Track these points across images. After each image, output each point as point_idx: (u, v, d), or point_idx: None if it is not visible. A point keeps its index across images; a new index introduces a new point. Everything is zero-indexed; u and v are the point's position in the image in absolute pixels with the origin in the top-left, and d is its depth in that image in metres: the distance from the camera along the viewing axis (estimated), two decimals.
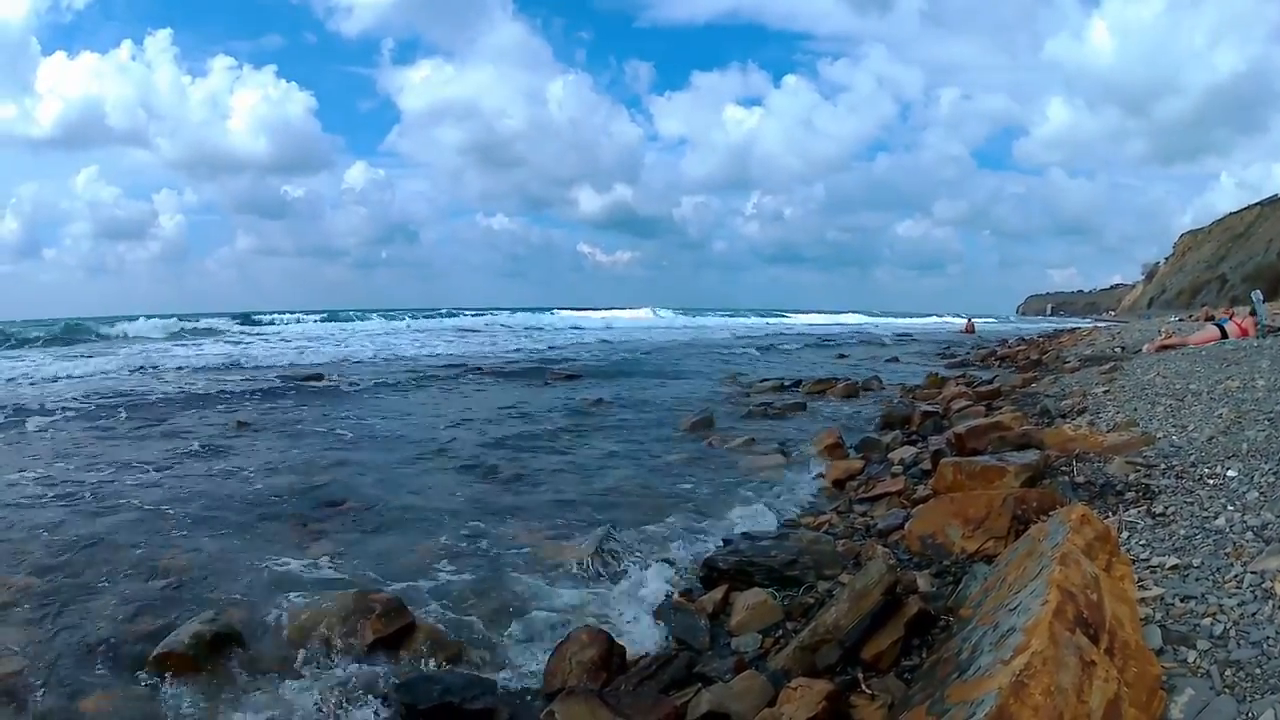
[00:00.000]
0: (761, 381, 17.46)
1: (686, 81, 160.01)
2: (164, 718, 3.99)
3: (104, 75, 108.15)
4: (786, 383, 16.86)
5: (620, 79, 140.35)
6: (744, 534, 6.22)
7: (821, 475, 8.30)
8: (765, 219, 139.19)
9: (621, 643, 4.36)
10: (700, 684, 3.83)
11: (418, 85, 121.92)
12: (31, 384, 16.99)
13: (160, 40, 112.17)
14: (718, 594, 5.01)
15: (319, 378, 17.99)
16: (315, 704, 3.99)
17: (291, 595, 5.26)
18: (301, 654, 4.49)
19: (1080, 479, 5.75)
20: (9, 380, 17.45)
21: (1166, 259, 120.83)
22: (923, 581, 4.52)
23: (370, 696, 4.00)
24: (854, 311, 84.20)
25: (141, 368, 20.50)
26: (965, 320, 58.92)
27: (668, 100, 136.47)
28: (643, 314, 65.37)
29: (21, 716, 4.02)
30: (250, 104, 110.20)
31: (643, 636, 4.64)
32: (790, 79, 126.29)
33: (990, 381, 14.98)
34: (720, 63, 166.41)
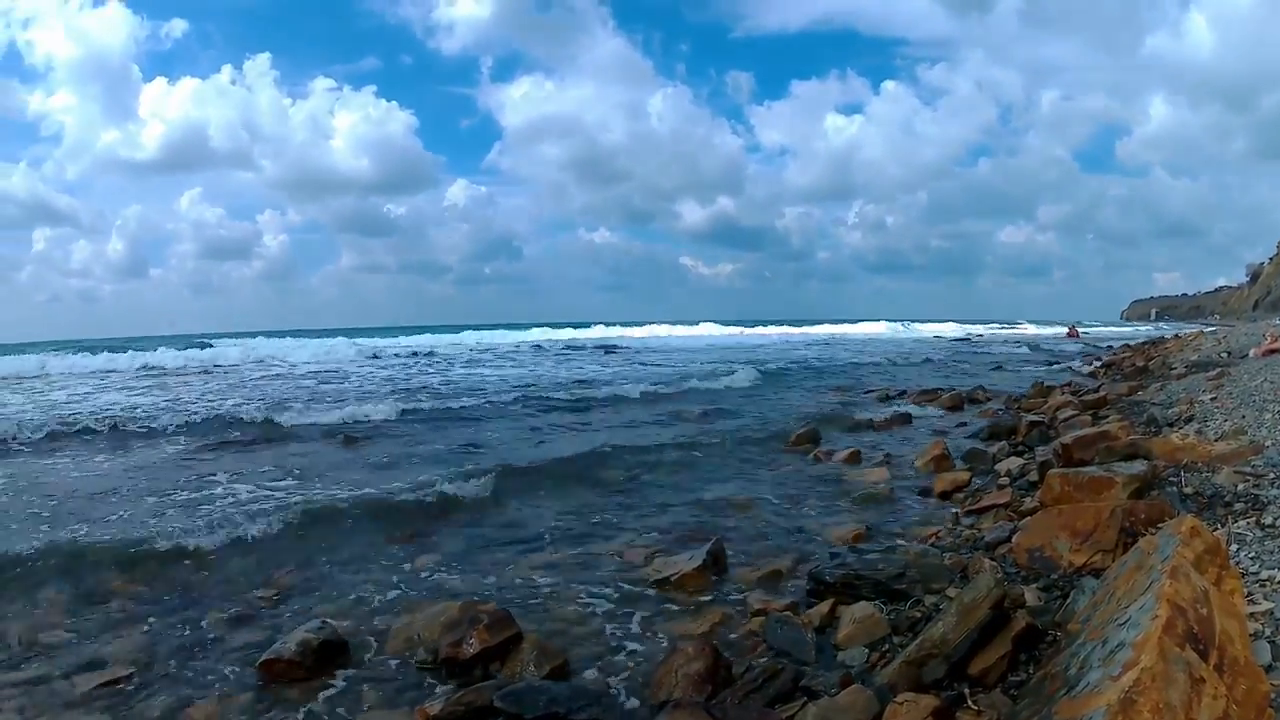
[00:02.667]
0: (866, 393, 17.19)
1: (786, 91, 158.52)
2: None
3: (205, 99, 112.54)
4: (891, 393, 16.57)
5: (721, 90, 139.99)
6: (850, 547, 6.12)
7: (928, 488, 8.11)
8: (868, 228, 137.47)
9: (727, 655, 4.32)
10: (806, 698, 3.77)
11: (518, 102, 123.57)
12: None
13: (259, 64, 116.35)
14: (824, 607, 4.93)
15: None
16: (420, 712, 4.01)
17: (399, 604, 5.35)
18: (407, 662, 4.58)
19: (1188, 490, 5.51)
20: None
21: (1271, 259, 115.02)
22: (1030, 596, 4.37)
23: (476, 706, 3.97)
24: (958, 320, 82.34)
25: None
26: (1069, 327, 57.26)
27: (768, 110, 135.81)
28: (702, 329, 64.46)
29: (127, 714, 4.16)
30: (351, 124, 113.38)
31: (750, 650, 4.58)
32: (889, 85, 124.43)
33: (1096, 390, 14.44)
34: (818, 71, 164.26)
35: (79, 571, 5.94)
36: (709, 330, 59.78)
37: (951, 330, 63.44)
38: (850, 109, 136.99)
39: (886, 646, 4.31)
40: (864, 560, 5.50)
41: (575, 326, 62.87)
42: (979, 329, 68.30)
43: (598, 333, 56.65)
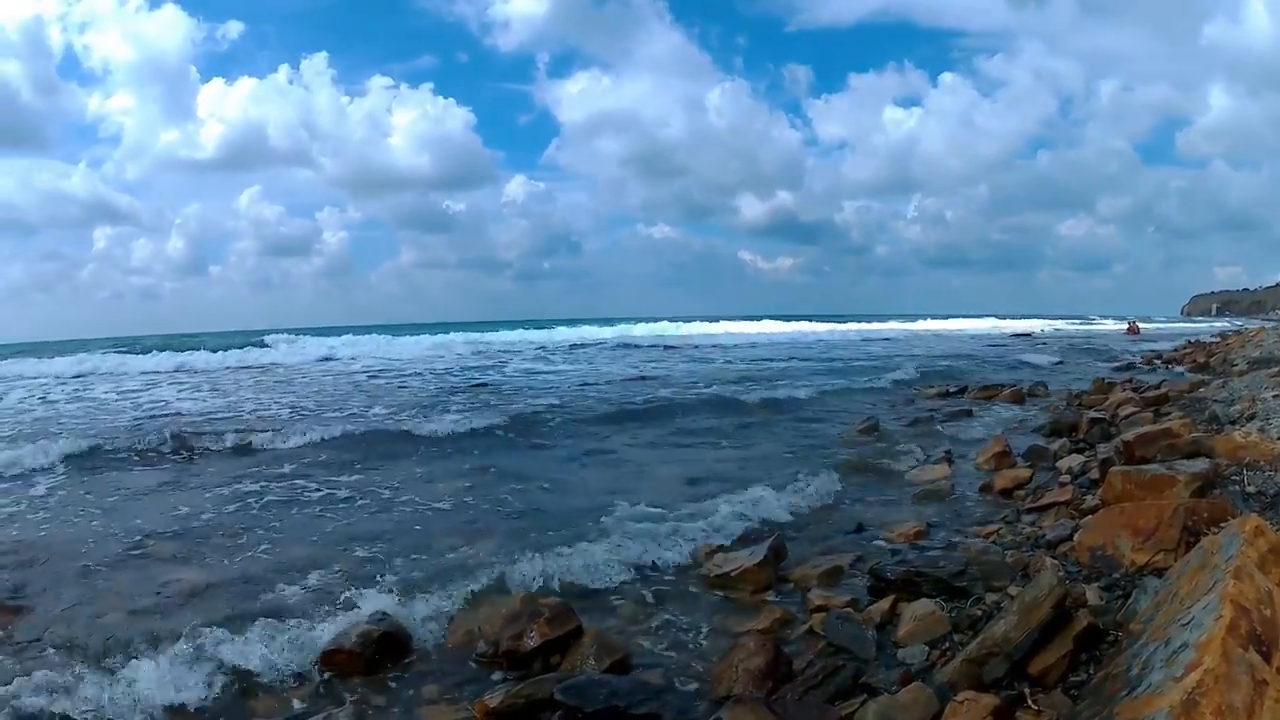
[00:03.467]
0: (928, 388, 17.04)
1: (843, 84, 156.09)
2: (329, 712, 4.12)
3: (263, 99, 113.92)
4: (951, 389, 16.39)
5: (779, 84, 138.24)
6: (911, 544, 6.10)
7: (989, 484, 8.01)
8: (927, 221, 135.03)
9: (788, 651, 4.35)
10: (866, 695, 3.77)
11: (575, 97, 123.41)
12: None
13: (316, 64, 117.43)
14: (885, 604, 4.92)
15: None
16: (480, 705, 4.03)
17: (460, 596, 5.37)
18: (468, 655, 4.64)
19: (1251, 489, 5.41)
20: None
21: None
22: (1091, 595, 4.32)
23: (537, 699, 4.00)
24: (1019, 315, 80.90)
25: None
26: (1129, 322, 56.07)
27: (825, 103, 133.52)
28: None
29: (192, 704, 4.22)
30: (409, 122, 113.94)
31: (810, 646, 4.57)
32: (947, 77, 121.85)
33: (1157, 386, 14.14)
34: (876, 63, 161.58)
35: None
36: (775, 327, 59.05)
37: (1009, 326, 62.31)
38: (908, 101, 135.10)
39: (947, 644, 4.28)
40: (925, 557, 5.49)
41: (638, 322, 62.74)
42: (1038, 324, 67.13)
43: (676, 329, 56.30)
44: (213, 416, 14.36)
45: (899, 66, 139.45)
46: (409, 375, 23.20)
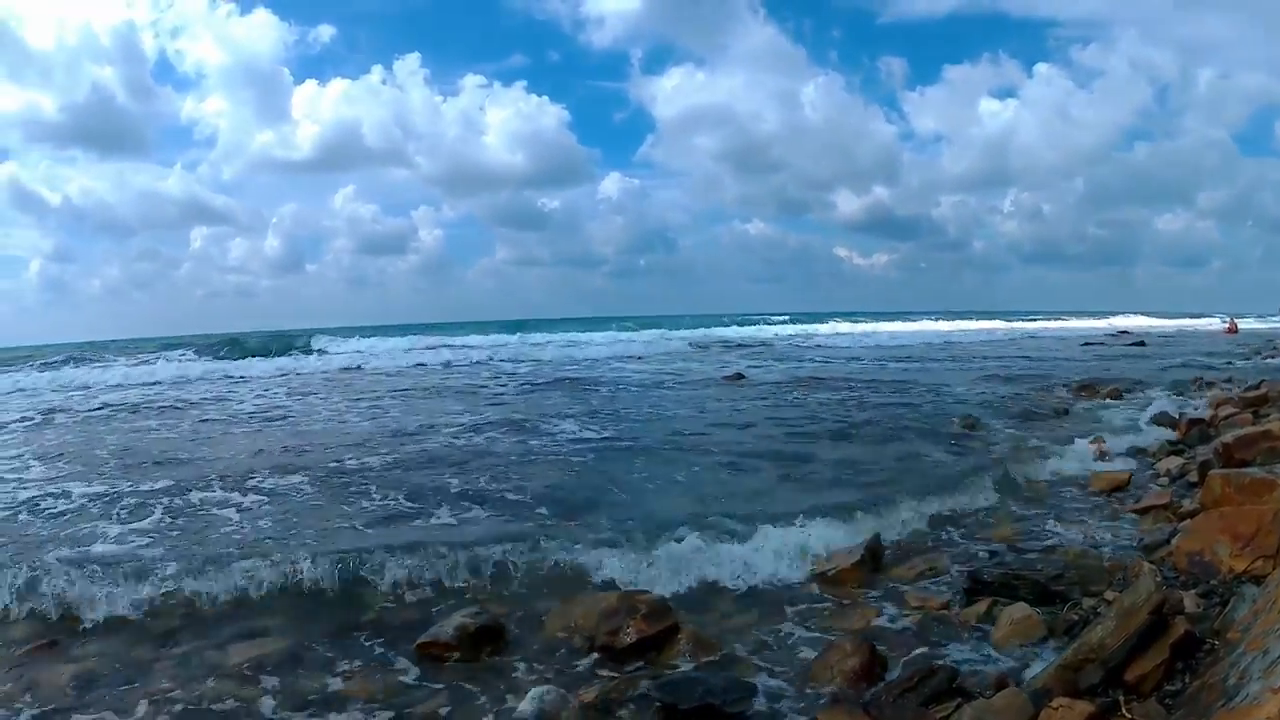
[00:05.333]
0: (1026, 385, 16.64)
1: (938, 76, 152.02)
2: (421, 704, 4.14)
3: (356, 99, 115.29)
4: (1050, 386, 16.00)
5: (873, 77, 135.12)
6: (1010, 546, 6.02)
7: (1087, 485, 7.83)
8: (1024, 216, 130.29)
9: (883, 652, 4.33)
10: (961, 699, 3.75)
11: (670, 93, 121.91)
12: None
13: (409, 64, 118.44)
14: (981, 607, 4.88)
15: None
16: (576, 699, 4.04)
17: (558, 591, 5.43)
18: (564, 650, 4.65)
19: None
20: None
21: None
22: (1189, 601, 4.22)
23: (632, 694, 4.03)
24: (1115, 314, 78.12)
25: None
26: (1228, 321, 53.68)
27: (920, 96, 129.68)
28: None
29: (280, 689, 4.33)
30: (503, 120, 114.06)
31: (905, 647, 4.54)
32: (1042, 67, 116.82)
33: (1257, 386, 13.61)
34: (970, 54, 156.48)
35: None
36: (894, 327, 57.97)
37: (1105, 325, 60.15)
38: (1004, 93, 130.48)
39: (1045, 648, 4.25)
40: (1023, 560, 5.44)
41: (736, 319, 62.58)
42: (1133, 321, 64.82)
43: (799, 328, 56.09)
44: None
45: (993, 57, 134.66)
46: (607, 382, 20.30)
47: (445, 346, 35.09)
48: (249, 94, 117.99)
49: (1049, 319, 68.77)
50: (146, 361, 30.44)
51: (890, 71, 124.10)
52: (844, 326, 59.48)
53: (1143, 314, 77.16)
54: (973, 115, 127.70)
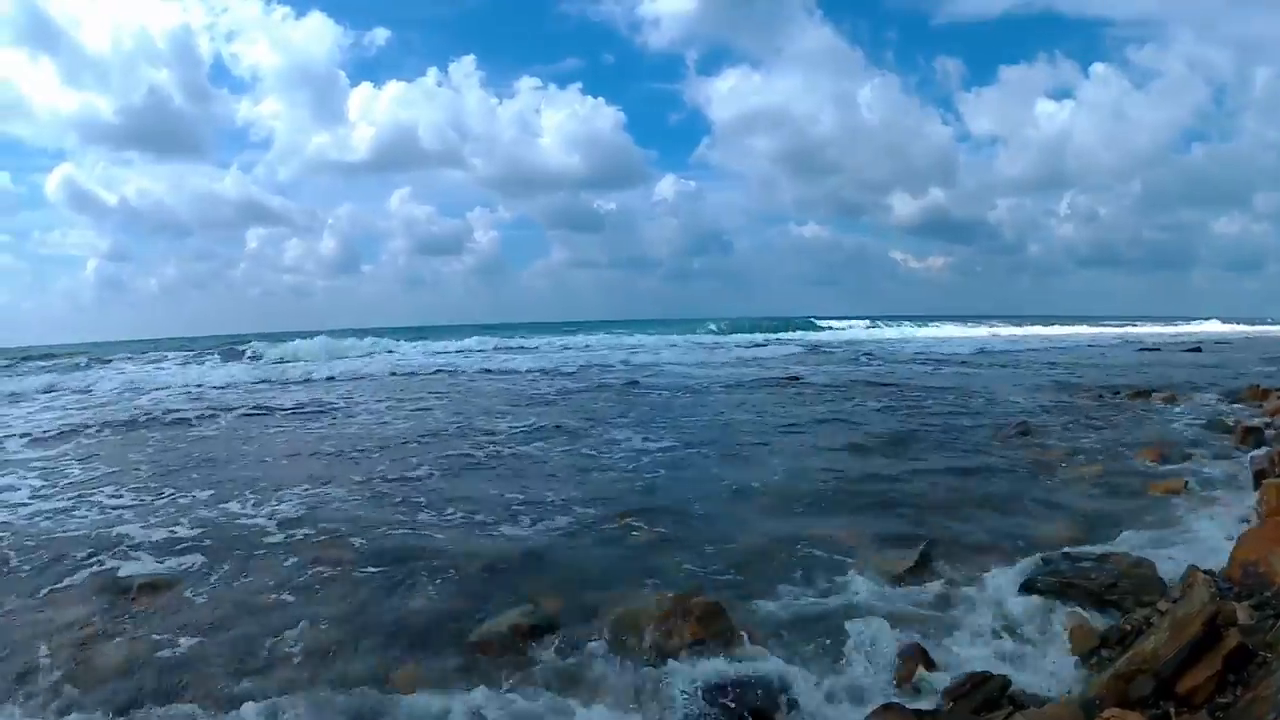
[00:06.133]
0: (1081, 391, 16.43)
1: (994, 77, 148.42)
2: (473, 700, 4.13)
3: (413, 101, 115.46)
4: (1104, 392, 15.78)
5: (929, 78, 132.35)
6: (1064, 553, 5.96)
7: (1141, 491, 7.71)
8: (1080, 219, 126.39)
9: (936, 658, 4.35)
10: (1013, 707, 3.76)
11: (725, 95, 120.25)
12: None
13: (465, 66, 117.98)
14: (1034, 613, 4.85)
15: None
16: (627, 702, 4.09)
17: (612, 592, 5.47)
18: (617, 652, 4.63)
19: None
20: None
21: None
22: (1242, 614, 4.16)
23: (683, 697, 4.03)
24: (1174, 319, 75.91)
25: None
26: None
27: (976, 97, 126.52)
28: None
29: (332, 678, 4.42)
30: (559, 122, 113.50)
31: (959, 654, 4.52)
32: (1098, 68, 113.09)
33: None
34: (1026, 55, 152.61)
35: None
36: (957, 332, 57.17)
37: (1165, 330, 58.63)
38: (1060, 94, 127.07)
39: (1095, 659, 4.24)
40: (1077, 568, 5.38)
41: (796, 324, 62.11)
42: (1205, 328, 63.21)
43: (867, 332, 55.91)
44: None
45: (1049, 57, 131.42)
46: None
47: (504, 349, 35.64)
48: (305, 96, 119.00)
49: (1104, 324, 67.36)
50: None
51: (946, 72, 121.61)
52: (896, 330, 58.95)
53: (1197, 319, 75.19)
54: (1029, 116, 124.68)
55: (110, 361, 32.33)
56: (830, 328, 60.19)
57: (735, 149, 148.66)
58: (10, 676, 4.50)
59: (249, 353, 33.82)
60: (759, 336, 48.21)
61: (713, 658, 4.45)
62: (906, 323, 66.42)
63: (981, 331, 56.29)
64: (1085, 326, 61.93)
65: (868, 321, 66.47)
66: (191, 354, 35.71)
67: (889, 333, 56.42)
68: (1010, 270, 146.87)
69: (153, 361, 32.41)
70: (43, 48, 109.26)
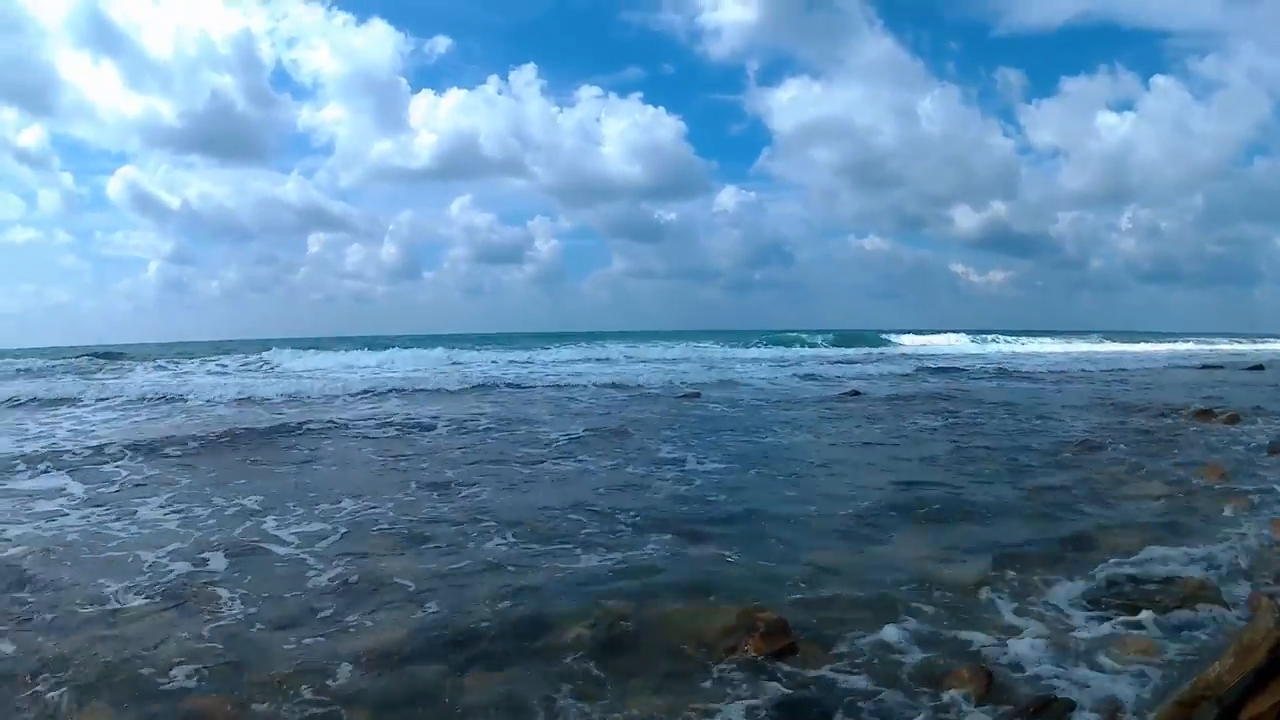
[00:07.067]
0: (1142, 409, 16.20)
1: (1055, 88, 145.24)
2: (535, 707, 4.16)
3: (473, 109, 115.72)
4: (1165, 411, 15.53)
5: (990, 89, 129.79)
6: (1129, 574, 5.93)
7: (1207, 512, 7.63)
8: (1141, 234, 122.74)
9: (997, 677, 4.33)
10: None
11: (786, 105, 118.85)
12: None
13: (525, 74, 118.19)
14: (1099, 633, 4.84)
15: None
16: (690, 717, 4.07)
17: (675, 604, 5.45)
18: (679, 664, 4.62)
19: None
20: None
21: None
22: None
23: (748, 714, 4.05)
24: (1234, 337, 73.70)
25: None
26: None
27: (1037, 109, 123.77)
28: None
29: (399, 678, 4.48)
30: (620, 131, 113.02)
31: (1021, 673, 4.49)
32: (1159, 80, 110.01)
33: None
34: (1086, 66, 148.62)
35: None
36: (1054, 347, 56.33)
37: (1214, 348, 57.02)
38: (1121, 106, 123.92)
39: (1159, 681, 4.24)
40: (1141, 590, 5.37)
41: (855, 336, 61.76)
42: (1251, 345, 61.54)
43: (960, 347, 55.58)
44: None
45: (1110, 69, 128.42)
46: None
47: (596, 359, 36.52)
48: (366, 103, 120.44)
49: (1165, 341, 65.92)
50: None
51: (1008, 83, 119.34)
52: (953, 340, 58.43)
53: (1256, 336, 73.10)
54: (1090, 128, 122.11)
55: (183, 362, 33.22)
56: (897, 342, 59.62)
57: (796, 160, 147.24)
58: None
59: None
60: (832, 351, 48.04)
61: (776, 672, 4.48)
62: (969, 335, 65.54)
63: (1045, 346, 55.61)
64: (1143, 344, 60.48)
65: (941, 334, 65.74)
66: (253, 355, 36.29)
67: (944, 341, 55.91)
68: (1071, 285, 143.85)
69: (219, 365, 33.21)
70: (105, 51, 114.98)
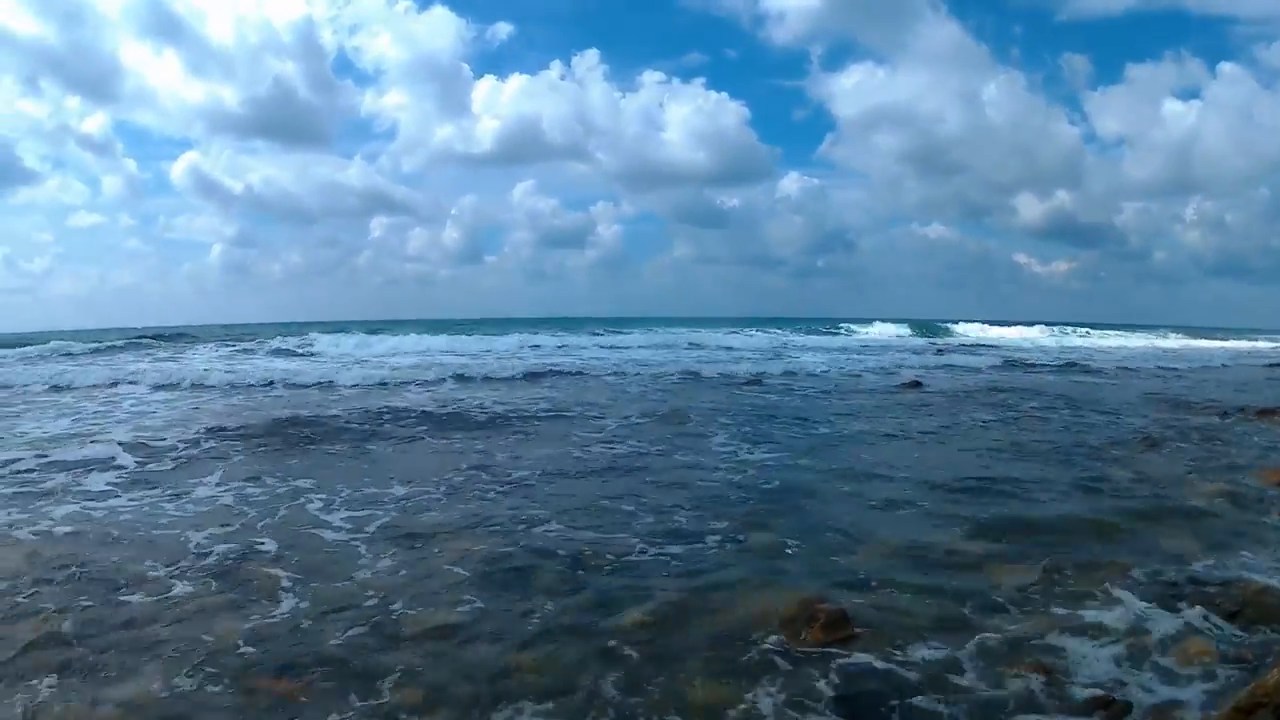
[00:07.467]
0: (1203, 407, 15.92)
1: (1120, 75, 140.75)
2: (591, 691, 4.23)
3: (536, 95, 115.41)
4: (1228, 410, 15.21)
5: (1055, 76, 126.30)
6: (1189, 576, 5.88)
7: (1267, 512, 7.56)
8: (1207, 226, 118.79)
9: (1056, 677, 4.35)
10: None
11: (850, 91, 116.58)
12: None
13: (588, 60, 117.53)
14: (1156, 637, 4.83)
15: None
16: (748, 706, 4.10)
17: (734, 592, 5.54)
18: (740, 652, 4.65)
19: None
20: None
21: None
22: None
23: (807, 703, 4.08)
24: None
25: None
26: None
27: (1102, 96, 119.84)
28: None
29: (456, 659, 4.59)
30: (683, 117, 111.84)
31: (1080, 673, 4.49)
32: (1226, 67, 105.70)
33: None
34: (1152, 53, 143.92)
35: None
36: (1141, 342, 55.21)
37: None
38: (1187, 94, 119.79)
39: (1217, 686, 4.24)
40: (1201, 593, 5.35)
41: (917, 325, 61.20)
42: None
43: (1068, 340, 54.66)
44: None
45: (1175, 55, 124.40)
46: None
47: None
48: (429, 89, 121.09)
49: (1231, 337, 64.17)
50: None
51: (1073, 70, 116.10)
52: (1024, 332, 57.62)
53: None
54: (1155, 117, 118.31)
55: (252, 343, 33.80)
56: (961, 333, 58.89)
57: (859, 146, 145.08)
58: None
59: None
60: (893, 339, 47.78)
61: (836, 662, 4.53)
62: (1033, 326, 64.45)
63: (1109, 338, 54.64)
64: (1212, 340, 58.93)
65: (1012, 326, 64.71)
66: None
67: (1006, 333, 55.19)
68: (1135, 277, 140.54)
69: (279, 346, 33.65)
70: (168, 39, 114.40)
